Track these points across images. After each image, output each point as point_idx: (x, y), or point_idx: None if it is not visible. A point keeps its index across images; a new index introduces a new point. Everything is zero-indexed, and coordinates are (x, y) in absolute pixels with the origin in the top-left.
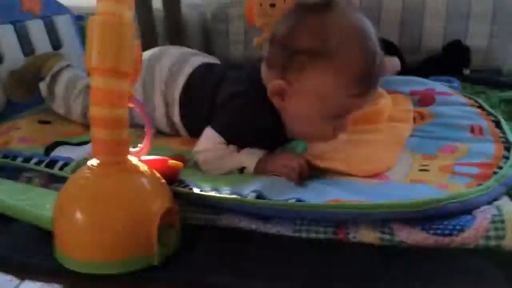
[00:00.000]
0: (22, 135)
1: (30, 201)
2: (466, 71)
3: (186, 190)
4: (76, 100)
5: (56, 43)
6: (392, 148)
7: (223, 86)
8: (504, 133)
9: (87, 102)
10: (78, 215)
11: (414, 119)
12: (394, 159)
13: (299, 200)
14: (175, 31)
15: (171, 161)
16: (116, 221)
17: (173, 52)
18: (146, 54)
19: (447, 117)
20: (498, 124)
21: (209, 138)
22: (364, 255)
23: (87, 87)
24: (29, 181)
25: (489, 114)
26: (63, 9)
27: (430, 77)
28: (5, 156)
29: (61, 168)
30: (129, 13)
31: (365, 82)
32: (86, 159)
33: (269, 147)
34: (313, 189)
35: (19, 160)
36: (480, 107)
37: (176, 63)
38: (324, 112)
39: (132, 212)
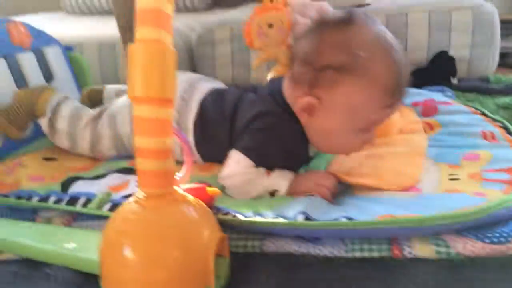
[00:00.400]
0: (31, 173)
1: (64, 243)
2: (454, 80)
3: (230, 217)
4: (83, 133)
5: (48, 75)
6: (416, 160)
7: (242, 109)
8: None
9: (94, 135)
10: (131, 252)
11: (424, 129)
12: (421, 171)
13: (349, 219)
14: None
15: (209, 189)
16: (172, 256)
17: (181, 78)
18: None
19: (456, 125)
20: (507, 130)
21: (237, 161)
22: (423, 270)
23: (93, 119)
24: (48, 221)
25: (495, 120)
26: (52, 41)
27: (423, 88)
28: (19, 197)
29: (84, 205)
30: (170, 39)
31: (395, 93)
32: (109, 194)
33: (294, 166)
34: (354, 206)
35: (35, 200)
36: (483, 114)
37: (187, 89)
38: (354, 125)
39: (188, 245)
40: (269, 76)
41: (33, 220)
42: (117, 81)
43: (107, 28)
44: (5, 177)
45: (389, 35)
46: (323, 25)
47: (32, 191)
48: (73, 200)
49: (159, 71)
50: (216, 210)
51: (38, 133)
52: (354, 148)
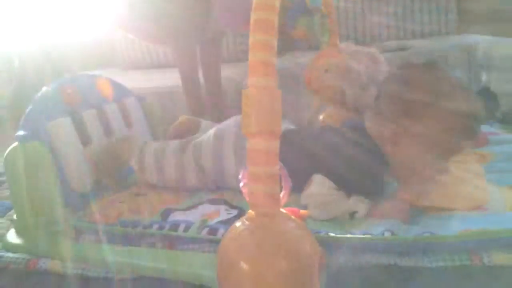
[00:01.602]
0: (130, 207)
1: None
2: (498, 114)
3: (324, 235)
4: (169, 164)
5: (128, 123)
6: (480, 183)
7: (323, 142)
8: None
9: (179, 165)
10: (247, 265)
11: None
12: (487, 193)
13: (432, 233)
14: (217, 102)
15: (301, 211)
16: (284, 269)
17: None
18: (232, 123)
19: (508, 153)
20: None
21: (321, 183)
22: (501, 277)
23: (178, 150)
24: (151, 246)
25: None
26: (129, 92)
27: None
28: (124, 226)
29: (185, 230)
30: (275, 83)
31: (472, 127)
32: (205, 220)
33: (369, 193)
34: (432, 223)
35: (139, 228)
36: None
37: None
38: (432, 153)
39: (297, 258)
40: (321, 117)
41: (138, 245)
42: None
43: (162, 80)
44: (107, 211)
45: (463, 80)
46: (409, 68)
47: (135, 220)
48: (174, 227)
49: (269, 110)
50: None
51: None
52: (430, 177)
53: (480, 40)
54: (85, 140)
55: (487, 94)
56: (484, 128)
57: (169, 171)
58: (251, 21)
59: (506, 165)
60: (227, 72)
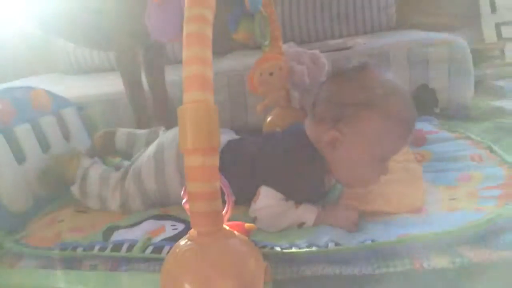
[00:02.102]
0: (70, 226)
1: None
2: (437, 110)
3: (268, 249)
4: (113, 195)
5: (66, 136)
6: (417, 184)
7: (265, 150)
8: (500, 156)
9: (123, 194)
10: (191, 285)
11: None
12: (424, 193)
13: (373, 240)
14: (162, 108)
15: (246, 224)
16: (229, 286)
17: None
18: (172, 137)
19: (445, 152)
20: (491, 149)
21: (269, 196)
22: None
23: (120, 179)
24: (94, 268)
25: (478, 142)
26: (67, 102)
27: None
28: (63, 249)
29: (128, 250)
30: (212, 98)
31: (408, 124)
32: (149, 238)
33: (315, 199)
34: (374, 229)
35: (80, 250)
36: (468, 137)
37: None
38: (374, 156)
39: (241, 275)
40: (268, 119)
41: (79, 268)
42: None
43: (105, 85)
44: (45, 231)
45: (395, 79)
46: (342, 73)
47: (75, 242)
48: (117, 247)
49: (206, 126)
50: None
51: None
52: (372, 180)
53: (418, 36)
54: (19, 157)
55: (425, 90)
56: (423, 127)
57: (115, 202)
58: (184, 34)
59: (443, 164)
60: (172, 75)
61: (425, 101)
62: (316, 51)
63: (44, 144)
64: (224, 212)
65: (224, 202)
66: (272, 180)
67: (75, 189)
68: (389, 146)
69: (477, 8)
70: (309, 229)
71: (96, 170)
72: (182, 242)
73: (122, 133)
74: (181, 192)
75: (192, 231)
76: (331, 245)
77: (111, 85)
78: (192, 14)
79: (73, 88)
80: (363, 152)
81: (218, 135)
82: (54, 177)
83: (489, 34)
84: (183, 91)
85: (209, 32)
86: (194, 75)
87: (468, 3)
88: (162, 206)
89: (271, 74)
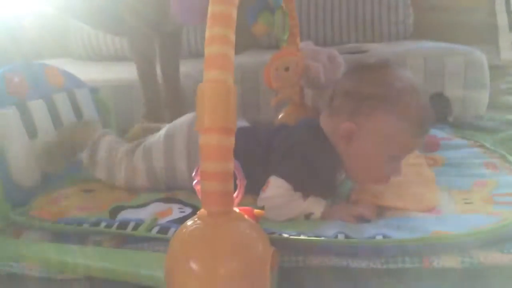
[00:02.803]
0: (77, 204)
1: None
2: (450, 119)
3: (276, 236)
4: (119, 165)
5: (78, 115)
6: (431, 187)
7: (278, 140)
8: None
9: (129, 168)
10: (197, 265)
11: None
12: (437, 196)
13: (384, 236)
14: (175, 99)
15: (256, 210)
16: (235, 268)
17: None
18: (184, 121)
19: (459, 158)
20: (505, 158)
21: (278, 185)
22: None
23: (128, 153)
24: (98, 244)
25: (492, 151)
26: (81, 83)
27: None
28: (69, 223)
29: (134, 229)
30: (231, 78)
31: (423, 124)
32: (156, 219)
33: (326, 193)
34: (385, 225)
35: (86, 226)
36: (482, 146)
37: None
38: (387, 152)
39: (249, 258)
40: (280, 115)
41: (84, 243)
42: (132, 123)
43: (119, 72)
44: (51, 207)
45: (415, 79)
46: (362, 67)
47: (81, 218)
48: (123, 225)
49: (224, 105)
50: None
51: (70, 169)
52: (384, 177)
53: (435, 46)
54: (31, 132)
55: (440, 98)
56: (436, 133)
57: (119, 172)
58: (209, 14)
59: (456, 169)
60: (186, 68)
61: (439, 109)
62: (333, 50)
63: (56, 121)
64: (235, 195)
65: (235, 186)
66: (283, 170)
67: (85, 156)
68: (403, 144)
69: (495, 26)
70: (318, 221)
71: (107, 139)
72: (190, 221)
73: None
74: (187, 172)
75: (202, 211)
76: (340, 237)
77: (126, 72)
78: None
79: (88, 73)
80: (377, 147)
81: (235, 116)
82: (65, 151)
83: (506, 52)
84: (204, 69)
85: (234, 13)
86: (215, 54)
87: (486, 21)
88: (167, 188)
89: (286, 69)
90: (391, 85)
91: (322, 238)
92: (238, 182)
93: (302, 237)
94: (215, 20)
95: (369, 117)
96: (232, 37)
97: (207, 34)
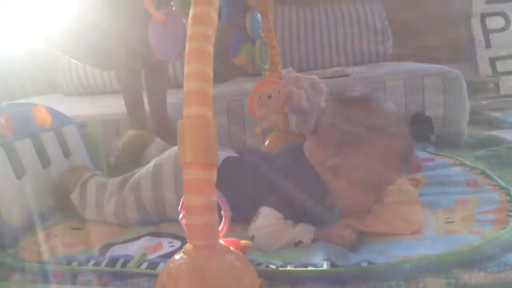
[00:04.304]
0: (65, 241)
1: None
2: (432, 137)
3: (263, 268)
4: (109, 202)
5: (66, 153)
6: (415, 208)
7: (263, 170)
8: (495, 181)
9: (119, 201)
10: None
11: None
12: (422, 217)
13: (369, 262)
14: (162, 130)
15: (242, 241)
16: None
17: None
18: (171, 153)
19: (442, 177)
20: (486, 175)
21: (268, 215)
22: None
23: (118, 188)
24: (87, 283)
25: (473, 168)
26: (68, 120)
27: None
28: (58, 263)
29: (123, 265)
30: (211, 113)
31: (406, 154)
32: (145, 254)
33: (314, 220)
34: (371, 251)
35: (74, 264)
36: (463, 163)
37: None
38: (371, 182)
39: None
40: (266, 142)
41: (73, 283)
42: None
43: (107, 106)
44: (40, 246)
45: (397, 110)
46: (347, 100)
47: (70, 256)
48: (112, 262)
49: (205, 140)
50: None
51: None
52: (368, 205)
53: (414, 67)
54: (19, 172)
55: (421, 117)
56: (418, 154)
57: (109, 208)
58: (186, 51)
59: (439, 189)
60: (174, 98)
61: (421, 128)
62: (315, 77)
63: (44, 160)
64: (220, 227)
65: (220, 218)
66: (272, 200)
67: (74, 197)
68: (387, 175)
69: (472, 44)
70: (305, 248)
71: (94, 180)
72: (177, 256)
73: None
74: (175, 203)
75: (188, 246)
76: (326, 265)
77: (113, 106)
78: (194, 31)
79: (75, 108)
80: (362, 178)
81: (217, 150)
82: (54, 192)
83: (484, 68)
84: (183, 106)
85: (210, 49)
86: (194, 90)
87: (463, 38)
88: (157, 220)
89: (269, 97)
90: (375, 120)
91: (309, 268)
92: (223, 213)
93: (289, 267)
94: (192, 56)
95: (355, 150)
96: (210, 72)
97: (185, 70)
